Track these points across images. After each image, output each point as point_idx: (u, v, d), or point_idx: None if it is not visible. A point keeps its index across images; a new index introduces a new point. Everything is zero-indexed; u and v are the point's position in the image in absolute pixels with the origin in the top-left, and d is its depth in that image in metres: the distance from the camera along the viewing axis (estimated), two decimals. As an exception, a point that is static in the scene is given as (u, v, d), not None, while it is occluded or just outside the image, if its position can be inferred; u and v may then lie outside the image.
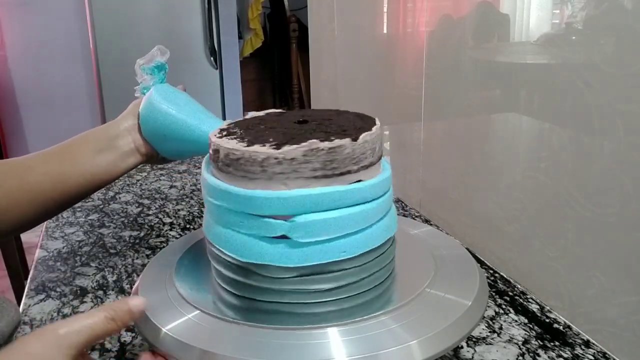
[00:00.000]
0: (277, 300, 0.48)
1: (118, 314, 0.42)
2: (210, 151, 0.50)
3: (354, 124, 0.50)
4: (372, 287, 0.50)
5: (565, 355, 0.61)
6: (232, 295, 0.50)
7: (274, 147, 0.45)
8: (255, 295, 0.49)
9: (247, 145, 0.46)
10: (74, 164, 0.66)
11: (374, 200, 0.48)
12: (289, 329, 0.45)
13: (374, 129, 0.49)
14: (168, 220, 1.01)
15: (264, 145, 0.45)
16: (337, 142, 0.45)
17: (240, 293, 0.50)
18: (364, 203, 0.47)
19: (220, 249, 0.49)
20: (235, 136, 0.49)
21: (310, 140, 0.44)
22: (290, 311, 0.48)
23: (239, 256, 0.48)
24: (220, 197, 0.48)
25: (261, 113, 0.58)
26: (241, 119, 0.56)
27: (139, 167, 1.33)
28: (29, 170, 0.65)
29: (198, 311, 0.48)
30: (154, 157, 0.72)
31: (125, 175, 1.28)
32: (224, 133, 0.50)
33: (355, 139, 0.46)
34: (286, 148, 0.44)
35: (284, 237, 0.46)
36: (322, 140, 0.45)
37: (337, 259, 0.47)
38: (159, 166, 1.34)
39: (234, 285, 0.50)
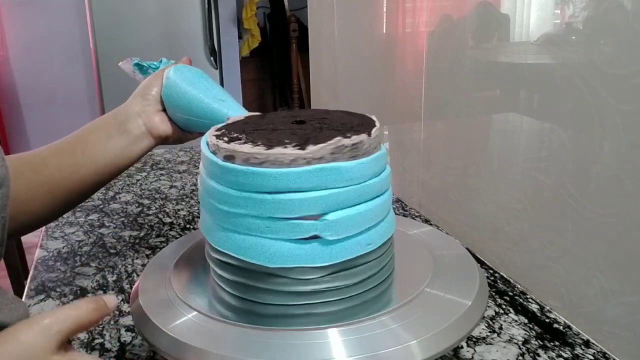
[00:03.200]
0: (284, 303, 0.48)
1: (99, 303, 0.43)
2: (220, 157, 0.47)
3: (351, 121, 0.51)
4: (373, 287, 0.50)
5: (565, 355, 0.61)
6: (232, 296, 0.50)
7: (298, 147, 0.44)
8: (258, 298, 0.49)
9: (268, 148, 0.44)
10: (85, 154, 0.66)
11: (389, 188, 0.50)
12: (289, 330, 0.45)
13: (377, 123, 0.50)
14: (168, 220, 1.01)
15: (286, 147, 0.44)
16: (356, 137, 0.46)
17: (244, 296, 0.49)
18: (384, 193, 0.49)
19: (241, 257, 0.47)
20: (243, 141, 0.47)
21: (336, 138, 0.45)
22: (290, 313, 0.48)
23: (269, 263, 0.46)
24: (243, 204, 0.45)
25: (241, 117, 0.58)
26: (224, 124, 0.54)
27: (139, 167, 1.33)
28: (42, 163, 0.65)
29: (197, 312, 0.48)
30: (168, 138, 0.70)
31: (125, 175, 1.28)
32: (226, 139, 0.48)
33: (369, 134, 0.47)
34: (312, 147, 0.44)
35: (314, 237, 0.45)
36: (344, 137, 0.45)
37: (364, 252, 0.47)
38: (159, 166, 1.35)
39: (237, 288, 0.50)
